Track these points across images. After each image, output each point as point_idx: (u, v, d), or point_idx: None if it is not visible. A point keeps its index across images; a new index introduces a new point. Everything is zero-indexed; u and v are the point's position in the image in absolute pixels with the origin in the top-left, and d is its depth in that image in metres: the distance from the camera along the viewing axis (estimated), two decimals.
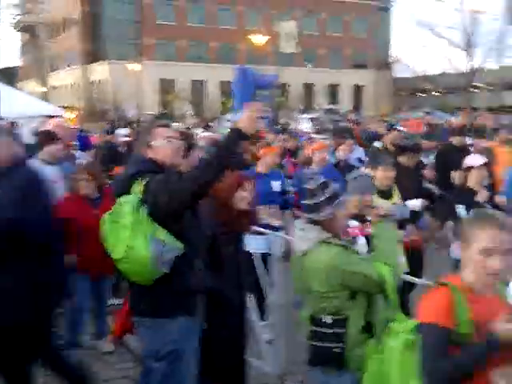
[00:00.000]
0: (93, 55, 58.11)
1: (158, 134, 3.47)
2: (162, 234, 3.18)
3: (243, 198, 3.98)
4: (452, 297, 2.50)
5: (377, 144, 10.00)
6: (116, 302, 5.92)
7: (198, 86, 55.62)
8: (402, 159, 6.37)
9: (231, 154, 3.18)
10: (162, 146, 3.43)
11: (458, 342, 2.43)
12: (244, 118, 3.18)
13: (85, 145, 11.84)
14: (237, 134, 3.18)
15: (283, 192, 6.69)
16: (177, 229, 3.26)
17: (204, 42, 56.92)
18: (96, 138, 13.01)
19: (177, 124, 31.13)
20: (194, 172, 3.22)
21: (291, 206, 6.78)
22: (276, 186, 6.61)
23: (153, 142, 3.43)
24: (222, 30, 57.13)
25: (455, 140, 8.81)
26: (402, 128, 11.90)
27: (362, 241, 4.39)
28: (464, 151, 8.03)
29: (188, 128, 15.03)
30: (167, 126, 3.66)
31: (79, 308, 5.47)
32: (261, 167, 6.64)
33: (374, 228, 3.40)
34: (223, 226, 3.91)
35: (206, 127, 19.02)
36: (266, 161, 6.68)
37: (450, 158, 8.04)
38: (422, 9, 52.92)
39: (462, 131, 9.27)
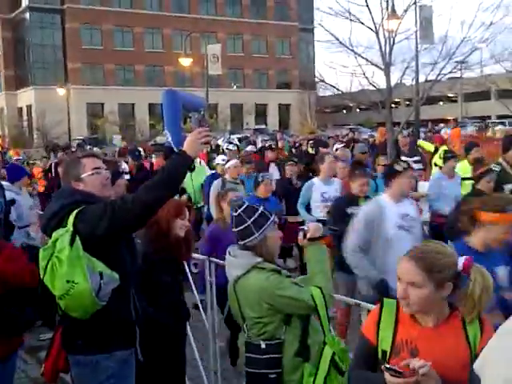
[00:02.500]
0: (18, 81, 56.95)
1: (85, 165, 3.34)
2: (100, 265, 3.06)
3: (182, 225, 4.01)
4: (380, 313, 2.54)
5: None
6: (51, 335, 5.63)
7: (126, 109, 55.41)
8: None
9: (176, 177, 3.14)
10: (90, 178, 3.32)
11: (379, 357, 2.46)
12: (188, 142, 3.17)
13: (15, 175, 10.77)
14: (182, 158, 3.15)
15: None
16: (113, 259, 3.15)
17: (131, 65, 56.92)
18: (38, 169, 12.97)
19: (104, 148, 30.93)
20: (139, 195, 3.10)
21: None
22: None
23: (81, 175, 3.32)
24: (149, 53, 57.32)
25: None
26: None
27: None
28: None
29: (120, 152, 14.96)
30: (94, 155, 3.53)
31: None
32: None
33: (305, 251, 3.27)
34: (162, 254, 3.90)
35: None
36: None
37: None
38: (341, 30, 54.34)
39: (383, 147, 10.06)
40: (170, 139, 13.66)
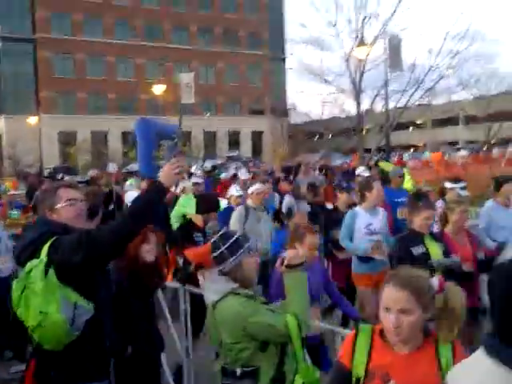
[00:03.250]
0: None
1: (60, 195, 3.35)
2: (74, 296, 3.05)
3: (148, 250, 4.10)
4: (355, 338, 2.58)
5: None
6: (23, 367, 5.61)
7: (99, 138, 55.20)
8: None
9: (151, 207, 3.17)
10: (64, 209, 3.32)
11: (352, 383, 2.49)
12: (165, 172, 3.23)
13: None
14: (157, 188, 3.20)
15: None
16: (88, 289, 3.15)
17: (104, 93, 56.87)
18: None
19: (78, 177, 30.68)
20: (114, 225, 3.13)
21: None
22: None
23: (56, 205, 3.33)
24: (122, 81, 57.39)
25: None
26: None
27: None
28: None
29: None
30: (70, 186, 3.54)
31: None
32: None
33: (285, 278, 3.25)
34: (132, 280, 3.96)
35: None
36: None
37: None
38: (312, 58, 55.23)
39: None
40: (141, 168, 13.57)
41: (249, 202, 7.72)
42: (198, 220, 7.58)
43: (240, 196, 8.44)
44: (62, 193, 3.37)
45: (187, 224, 7.65)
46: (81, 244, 3.05)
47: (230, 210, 8.06)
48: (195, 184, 10.23)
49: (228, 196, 8.86)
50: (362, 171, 11.91)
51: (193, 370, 5.24)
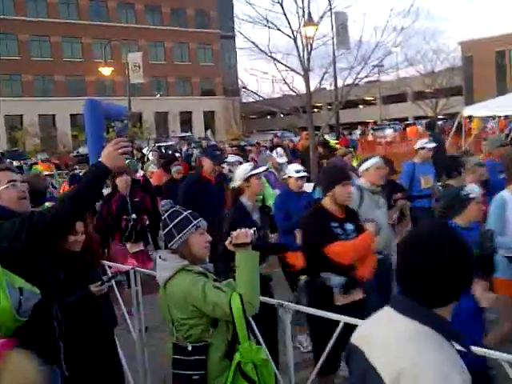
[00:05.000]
0: None
1: (0, 179, 3.27)
2: (19, 281, 2.99)
3: (74, 241, 4.06)
4: None
5: None
6: None
7: (46, 121, 53.99)
8: None
9: (93, 190, 3.12)
10: (5, 192, 3.24)
11: None
12: (106, 153, 3.13)
13: None
14: (99, 170, 3.13)
15: None
16: (34, 275, 3.11)
17: (50, 75, 55.52)
18: None
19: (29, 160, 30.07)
20: (56, 209, 3.08)
21: None
22: None
23: None
24: (69, 62, 56.11)
25: None
26: None
27: None
28: None
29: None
30: (8, 169, 3.44)
31: None
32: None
33: (235, 256, 3.23)
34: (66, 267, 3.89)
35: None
36: None
37: None
38: (260, 37, 55.01)
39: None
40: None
41: (362, 181, 5.85)
42: None
43: (302, 177, 6.82)
44: (1, 176, 3.29)
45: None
46: (22, 229, 3.00)
47: (288, 193, 6.78)
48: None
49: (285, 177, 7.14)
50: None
51: (146, 349, 5.28)
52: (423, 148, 8.50)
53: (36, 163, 13.12)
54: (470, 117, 16.78)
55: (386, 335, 1.86)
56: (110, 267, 5.34)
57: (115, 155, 3.14)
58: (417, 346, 1.76)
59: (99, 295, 4.17)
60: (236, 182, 5.10)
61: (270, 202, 6.83)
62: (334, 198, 4.58)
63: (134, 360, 5.20)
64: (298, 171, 6.76)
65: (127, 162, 8.56)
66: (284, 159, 10.05)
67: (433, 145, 8.70)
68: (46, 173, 8.16)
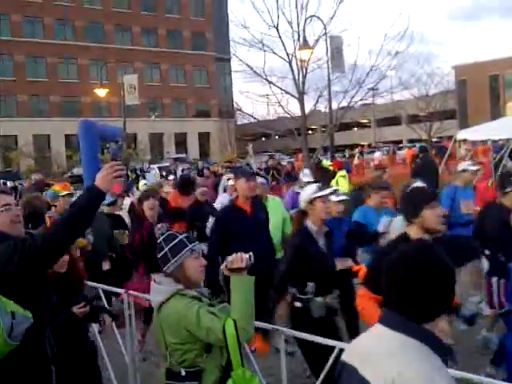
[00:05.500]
0: None
1: None
2: (11, 305, 2.97)
3: (60, 263, 4.01)
4: None
5: None
6: None
7: (41, 141, 53.97)
8: None
9: (87, 214, 3.12)
10: None
11: None
12: (101, 177, 3.13)
13: None
14: (93, 193, 3.13)
15: None
16: (27, 298, 3.11)
17: (45, 95, 55.64)
18: None
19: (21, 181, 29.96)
20: (49, 233, 3.08)
21: None
22: None
23: None
24: (64, 83, 56.28)
25: None
26: None
27: None
28: None
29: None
30: (3, 192, 3.42)
31: None
32: None
33: (231, 281, 3.19)
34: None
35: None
36: None
37: None
38: (256, 60, 55.46)
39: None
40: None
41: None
42: None
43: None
44: None
45: None
46: (15, 253, 2.99)
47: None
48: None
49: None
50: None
51: (139, 375, 5.21)
52: (466, 170, 7.60)
53: (51, 184, 12.93)
54: (464, 140, 16.86)
55: (378, 350, 1.92)
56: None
57: (110, 179, 3.14)
58: (405, 356, 1.84)
59: (85, 318, 4.13)
60: (301, 204, 4.79)
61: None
62: (421, 224, 3.85)
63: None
64: (337, 194, 6.04)
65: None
66: (310, 179, 9.74)
67: (475, 168, 7.89)
68: (65, 192, 8.05)
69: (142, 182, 10.12)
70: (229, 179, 9.78)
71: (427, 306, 1.90)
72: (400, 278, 1.92)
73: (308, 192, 4.77)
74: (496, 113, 39.76)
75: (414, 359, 1.82)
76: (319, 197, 4.67)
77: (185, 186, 9.31)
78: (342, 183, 11.26)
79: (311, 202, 4.68)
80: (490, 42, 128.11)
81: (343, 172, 12.45)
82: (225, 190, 10.47)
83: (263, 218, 6.23)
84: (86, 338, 4.26)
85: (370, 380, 1.88)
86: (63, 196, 8.27)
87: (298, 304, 4.63)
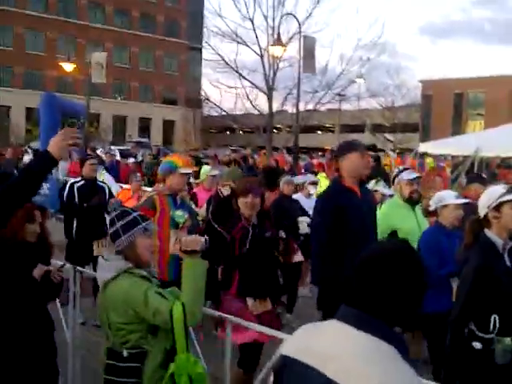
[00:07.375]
0: None
1: None
2: None
3: (32, 231, 3.95)
4: None
5: None
6: None
7: (1, 112, 52.64)
8: None
9: (37, 178, 3.01)
10: None
11: None
12: (54, 143, 3.02)
13: None
14: (44, 158, 3.03)
15: None
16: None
17: (9, 66, 54.23)
18: None
19: None
20: None
21: None
22: None
23: None
24: (30, 55, 54.96)
25: None
26: None
27: None
28: None
29: None
30: None
31: None
32: None
33: (183, 264, 3.15)
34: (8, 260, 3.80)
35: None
36: None
37: None
38: (228, 51, 55.13)
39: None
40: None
41: None
42: None
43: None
44: None
45: None
46: None
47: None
48: None
49: None
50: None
51: (80, 353, 5.12)
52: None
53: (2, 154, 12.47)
54: (425, 153, 17.15)
55: (345, 351, 1.77)
56: None
57: (63, 145, 3.03)
58: (387, 365, 1.72)
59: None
60: (481, 211, 3.65)
61: None
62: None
63: (66, 362, 5.02)
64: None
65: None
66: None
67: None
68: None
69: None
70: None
71: (403, 308, 1.85)
72: (371, 277, 1.84)
73: (493, 195, 3.63)
74: (457, 130, 40.59)
75: (396, 369, 1.73)
76: (509, 201, 3.58)
77: (270, 178, 7.38)
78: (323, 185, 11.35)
79: (497, 207, 3.58)
80: (458, 61, 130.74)
81: (323, 174, 12.64)
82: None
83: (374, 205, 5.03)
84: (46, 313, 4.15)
85: (339, 382, 1.73)
86: None
87: (477, 345, 3.46)
